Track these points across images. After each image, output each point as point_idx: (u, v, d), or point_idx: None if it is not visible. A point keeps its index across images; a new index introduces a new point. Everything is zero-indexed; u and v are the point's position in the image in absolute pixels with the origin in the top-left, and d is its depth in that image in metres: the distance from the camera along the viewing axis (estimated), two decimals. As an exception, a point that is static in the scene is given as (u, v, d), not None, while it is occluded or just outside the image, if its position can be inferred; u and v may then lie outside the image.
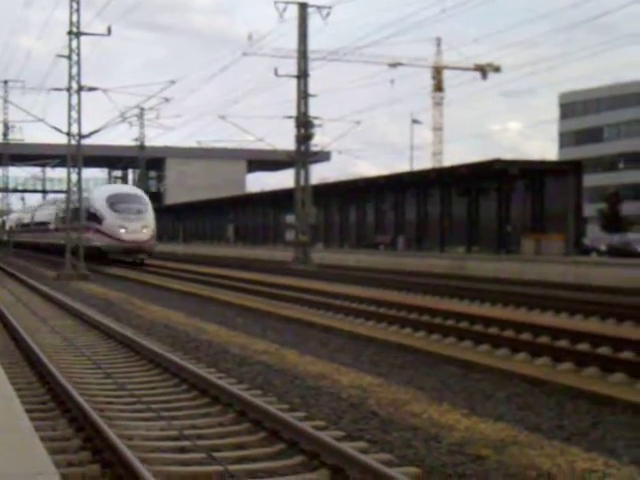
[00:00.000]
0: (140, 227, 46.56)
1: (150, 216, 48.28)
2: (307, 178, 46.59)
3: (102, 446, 8.00)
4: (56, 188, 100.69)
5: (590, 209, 77.04)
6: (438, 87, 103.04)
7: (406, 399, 10.53)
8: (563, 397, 10.74)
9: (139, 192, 52.51)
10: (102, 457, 7.84)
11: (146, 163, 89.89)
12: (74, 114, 37.81)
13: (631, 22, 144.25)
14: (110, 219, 46.61)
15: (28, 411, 8.22)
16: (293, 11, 44.47)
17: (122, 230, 45.99)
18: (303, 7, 44.32)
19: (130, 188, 60.39)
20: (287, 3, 44.06)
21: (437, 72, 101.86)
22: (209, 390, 10.73)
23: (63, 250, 39.38)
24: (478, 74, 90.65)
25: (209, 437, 8.76)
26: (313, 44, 52.79)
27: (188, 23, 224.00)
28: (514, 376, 12.01)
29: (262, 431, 8.86)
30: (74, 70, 37.70)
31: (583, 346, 14.18)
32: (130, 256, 46.87)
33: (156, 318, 19.86)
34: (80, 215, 40.09)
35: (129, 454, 7.36)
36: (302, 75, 44.45)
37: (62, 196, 59.87)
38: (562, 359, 12.77)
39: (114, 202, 47.70)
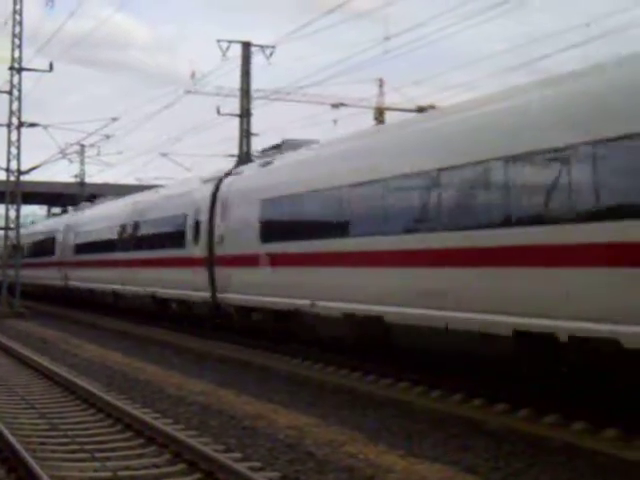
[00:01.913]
0: None
1: None
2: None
3: (33, 488, 7.88)
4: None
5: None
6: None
7: (343, 440, 10.50)
8: (500, 438, 10.78)
9: None
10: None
11: (86, 200, 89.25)
12: (14, 150, 37.44)
13: (567, 66, 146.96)
14: None
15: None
16: (236, 50, 44.56)
17: None
18: (246, 46, 44.43)
19: None
20: (230, 42, 44.13)
21: (380, 113, 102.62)
22: (144, 431, 10.62)
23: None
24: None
25: (143, 478, 8.66)
26: (256, 83, 52.91)
27: (129, 60, 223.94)
28: (451, 417, 12.03)
29: (197, 472, 8.78)
30: (15, 106, 37.39)
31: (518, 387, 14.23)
32: None
33: (93, 357, 19.63)
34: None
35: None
36: (245, 114, 44.51)
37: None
38: (497, 400, 12.82)
39: None
